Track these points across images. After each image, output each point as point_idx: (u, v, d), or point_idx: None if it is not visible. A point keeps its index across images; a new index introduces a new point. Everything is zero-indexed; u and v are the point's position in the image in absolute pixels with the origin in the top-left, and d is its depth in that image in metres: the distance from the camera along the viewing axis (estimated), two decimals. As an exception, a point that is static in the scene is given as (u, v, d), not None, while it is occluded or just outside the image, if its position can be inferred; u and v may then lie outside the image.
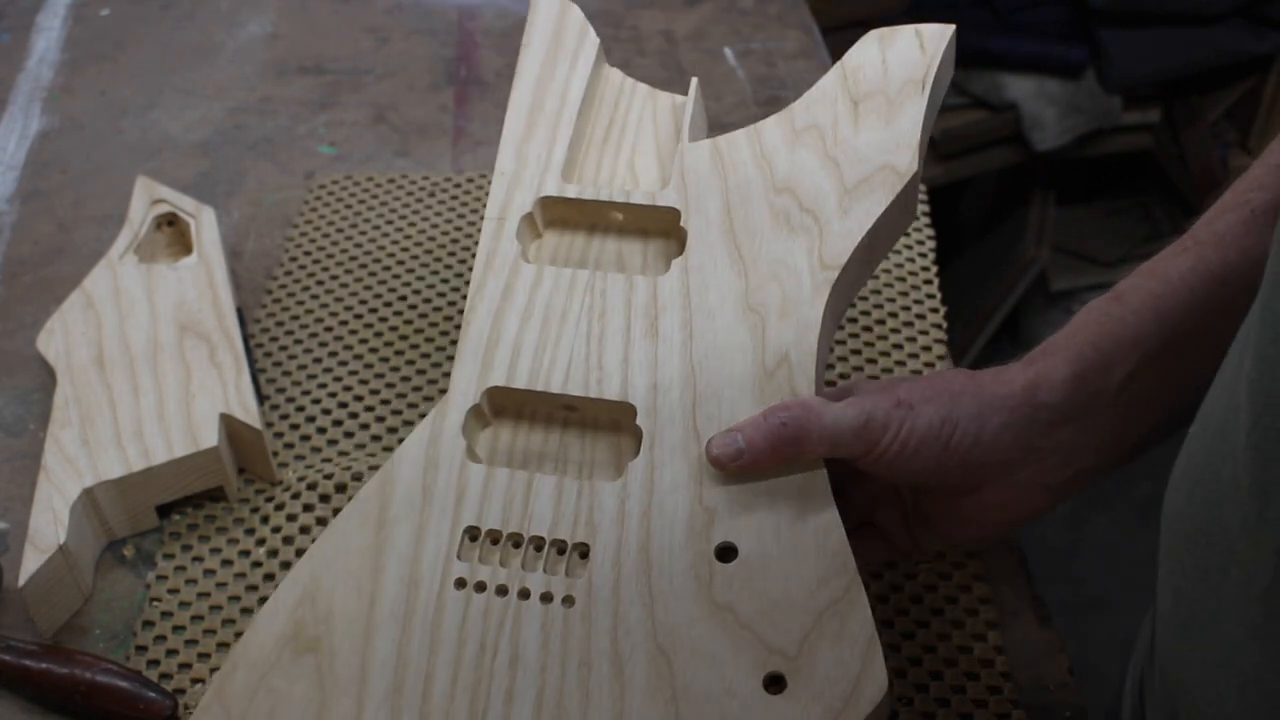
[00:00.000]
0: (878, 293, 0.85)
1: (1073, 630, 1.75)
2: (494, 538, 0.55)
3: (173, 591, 0.69)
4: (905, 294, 0.85)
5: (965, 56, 1.87)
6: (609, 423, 0.59)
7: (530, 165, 0.66)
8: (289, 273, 0.89)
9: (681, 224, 0.62)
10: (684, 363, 0.58)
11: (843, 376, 0.79)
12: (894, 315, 0.83)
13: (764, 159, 0.63)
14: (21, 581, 0.64)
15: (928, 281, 0.86)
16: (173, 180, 0.95)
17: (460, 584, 0.54)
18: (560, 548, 0.55)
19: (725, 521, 0.54)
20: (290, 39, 1.16)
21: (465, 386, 0.59)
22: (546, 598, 0.53)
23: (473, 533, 0.56)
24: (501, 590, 0.54)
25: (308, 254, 0.90)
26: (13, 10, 1.20)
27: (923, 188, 0.95)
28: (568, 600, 0.53)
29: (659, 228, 0.65)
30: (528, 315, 0.61)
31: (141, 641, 0.66)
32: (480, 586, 0.54)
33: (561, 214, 0.66)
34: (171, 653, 0.66)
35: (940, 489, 0.58)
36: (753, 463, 0.54)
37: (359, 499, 0.57)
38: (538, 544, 0.55)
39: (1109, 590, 1.81)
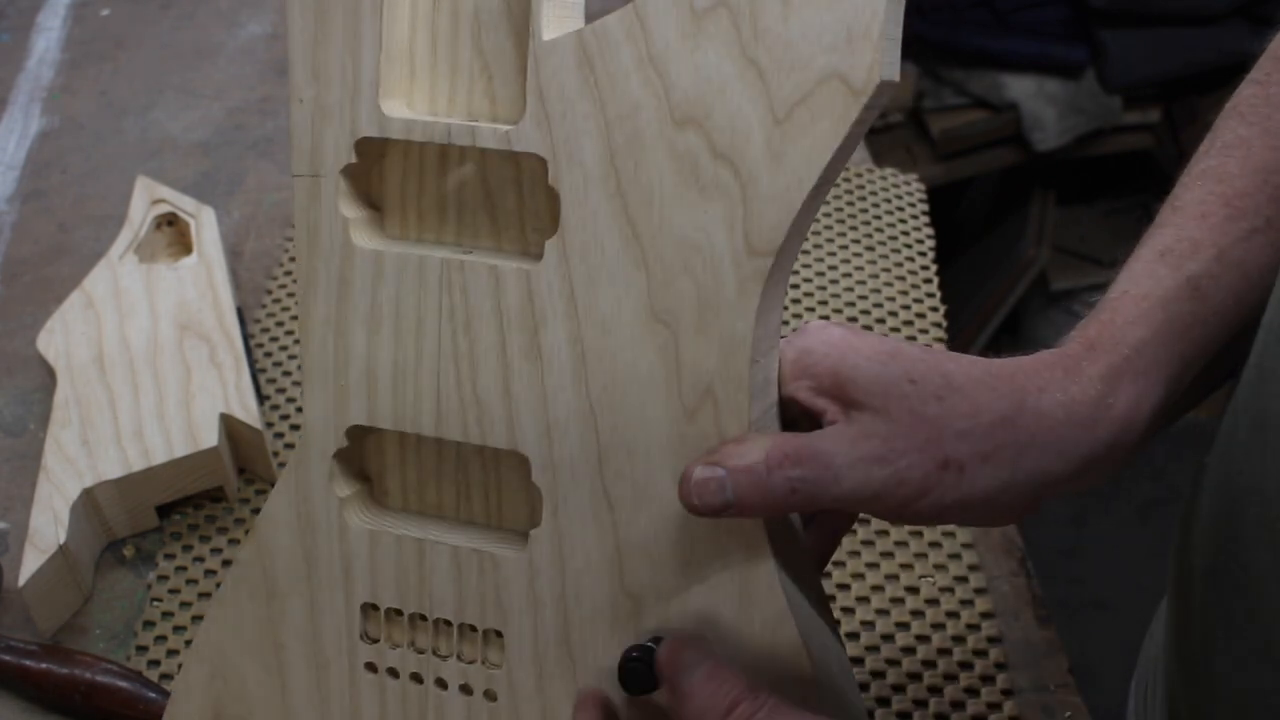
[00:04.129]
0: (878, 292, 0.85)
1: (1073, 630, 1.75)
2: (397, 611, 0.49)
3: (173, 591, 0.69)
4: (905, 294, 0.85)
5: (965, 56, 1.89)
6: (510, 456, 0.48)
7: (334, 84, 0.46)
8: (289, 273, 0.89)
9: (550, 181, 0.44)
10: (579, 397, 0.45)
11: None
12: (894, 315, 0.83)
13: (653, 67, 0.42)
14: (21, 581, 0.64)
15: (927, 281, 0.86)
16: (173, 180, 0.95)
17: (371, 668, 0.49)
18: (472, 627, 0.48)
19: (655, 612, 0.45)
20: (290, 39, 1.16)
21: (322, 426, 0.48)
22: (466, 689, 0.48)
23: (372, 605, 0.49)
24: (416, 678, 0.49)
25: (308, 254, 0.90)
26: (13, 10, 1.20)
27: (922, 187, 0.95)
28: (489, 694, 0.48)
29: (530, 175, 0.46)
30: (375, 324, 0.46)
31: (142, 641, 0.66)
32: (393, 673, 0.49)
33: (392, 153, 0.47)
34: (172, 653, 0.66)
35: None
36: (737, 516, 0.43)
37: (239, 564, 0.50)
38: (446, 622, 0.49)
39: (1109, 590, 1.81)
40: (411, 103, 0.46)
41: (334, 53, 0.45)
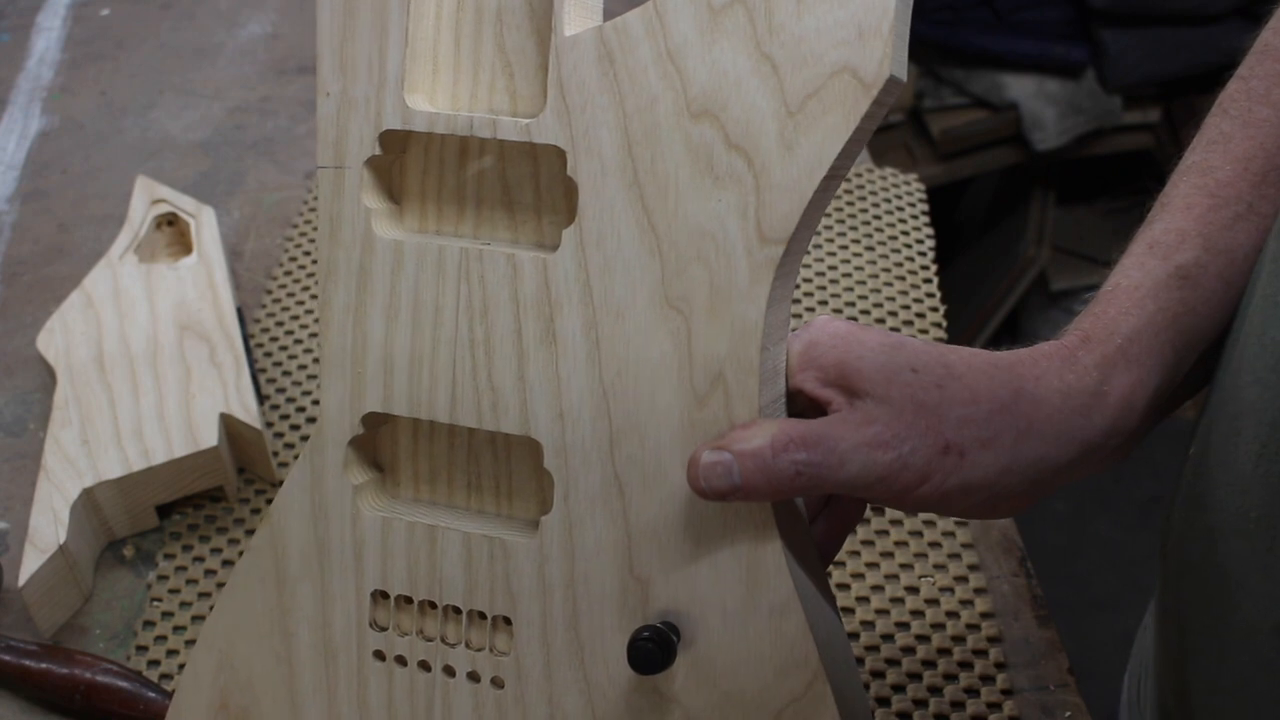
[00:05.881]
0: (878, 292, 0.85)
1: (1073, 630, 1.75)
2: (406, 598, 0.50)
3: (173, 591, 0.69)
4: (905, 293, 0.85)
5: (965, 56, 1.89)
6: (521, 445, 0.49)
7: (360, 77, 0.47)
8: (289, 273, 0.89)
9: (569, 172, 0.45)
10: (593, 383, 0.46)
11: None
12: (894, 314, 0.83)
13: (671, 62, 0.44)
14: (21, 581, 0.64)
15: (927, 281, 0.86)
16: (173, 180, 0.95)
17: (379, 655, 0.50)
18: (481, 614, 0.49)
19: (662, 596, 0.46)
20: (290, 39, 1.16)
21: (338, 413, 0.49)
22: (474, 677, 0.49)
23: (382, 591, 0.50)
24: (424, 665, 0.50)
25: (307, 254, 0.90)
26: (13, 10, 1.20)
27: (922, 187, 0.95)
28: (497, 682, 0.49)
29: (547, 170, 0.48)
30: (393, 312, 0.48)
31: (142, 641, 0.66)
32: (401, 660, 0.50)
33: (413, 148, 0.49)
34: (172, 653, 0.66)
35: None
36: (744, 500, 0.44)
37: (251, 551, 0.51)
38: (455, 609, 0.49)
39: (1109, 590, 1.81)
40: (434, 99, 0.47)
41: (361, 48, 0.47)
